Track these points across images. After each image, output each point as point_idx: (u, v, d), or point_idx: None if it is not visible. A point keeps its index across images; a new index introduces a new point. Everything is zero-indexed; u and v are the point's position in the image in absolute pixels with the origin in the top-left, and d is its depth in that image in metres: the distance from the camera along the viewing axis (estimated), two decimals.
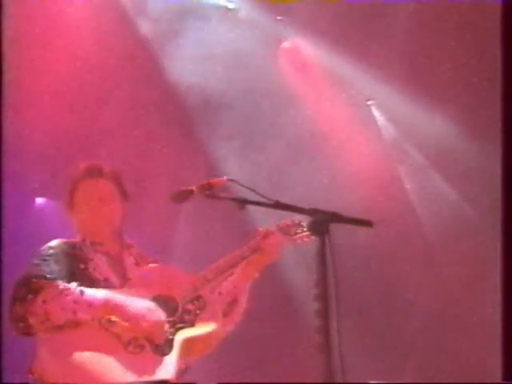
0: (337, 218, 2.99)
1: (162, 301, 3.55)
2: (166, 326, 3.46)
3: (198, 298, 3.61)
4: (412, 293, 6.55)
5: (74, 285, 3.37)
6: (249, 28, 6.50)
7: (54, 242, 3.62)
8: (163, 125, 6.64)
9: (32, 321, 3.28)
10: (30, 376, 3.30)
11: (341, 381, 2.78)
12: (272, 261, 3.83)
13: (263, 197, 3.25)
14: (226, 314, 3.71)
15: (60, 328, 3.29)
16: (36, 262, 3.49)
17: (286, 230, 3.79)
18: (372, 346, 6.40)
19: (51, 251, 3.54)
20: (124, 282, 3.60)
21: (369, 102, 6.98)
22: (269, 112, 6.59)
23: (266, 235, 3.78)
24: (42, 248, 3.59)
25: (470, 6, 5.95)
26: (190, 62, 6.38)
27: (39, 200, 6.89)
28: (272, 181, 6.21)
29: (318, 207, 3.01)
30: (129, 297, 3.46)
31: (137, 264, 3.74)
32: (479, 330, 6.27)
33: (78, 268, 3.52)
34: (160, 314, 3.48)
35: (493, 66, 4.98)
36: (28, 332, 3.30)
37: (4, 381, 4.50)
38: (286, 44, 6.79)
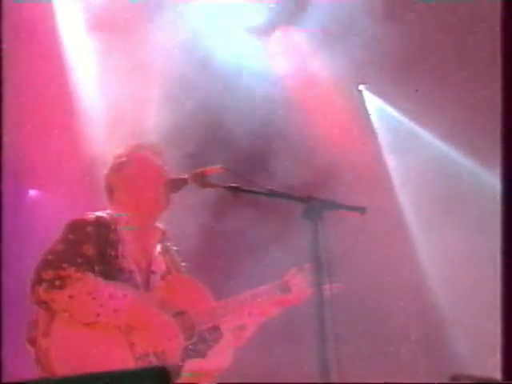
0: (330, 204, 3.01)
1: (181, 320, 3.47)
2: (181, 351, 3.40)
3: (216, 328, 3.54)
4: (411, 291, 6.54)
5: (103, 283, 3.28)
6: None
7: (90, 217, 3.48)
8: None
9: (54, 307, 3.21)
10: (29, 347, 3.23)
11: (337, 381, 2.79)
12: (298, 303, 3.75)
13: (257, 185, 3.26)
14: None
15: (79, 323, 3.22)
16: (70, 236, 3.37)
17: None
18: (370, 345, 6.39)
19: (89, 228, 3.42)
20: (147, 276, 3.54)
21: (360, 87, 6.89)
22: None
23: (296, 275, 3.73)
24: (76, 220, 3.46)
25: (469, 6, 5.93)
26: None
27: (37, 194, 6.81)
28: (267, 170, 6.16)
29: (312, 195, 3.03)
30: (154, 309, 3.39)
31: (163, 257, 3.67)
32: (479, 329, 6.26)
33: (108, 255, 3.42)
34: (180, 336, 3.42)
35: (493, 65, 4.97)
36: (48, 311, 3.22)
37: (4, 381, 4.45)
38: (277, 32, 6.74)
